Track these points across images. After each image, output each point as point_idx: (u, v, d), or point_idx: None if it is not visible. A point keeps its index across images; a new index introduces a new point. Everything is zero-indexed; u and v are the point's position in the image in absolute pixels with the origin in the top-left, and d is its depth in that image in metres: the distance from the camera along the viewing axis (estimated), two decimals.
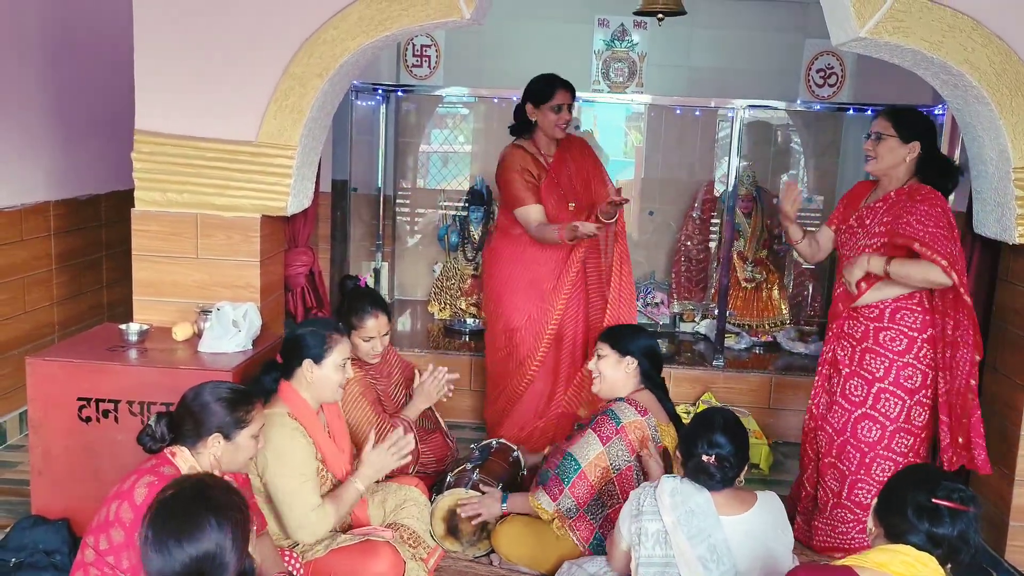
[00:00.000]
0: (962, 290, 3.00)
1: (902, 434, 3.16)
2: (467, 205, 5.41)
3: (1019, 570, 3.19)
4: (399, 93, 5.48)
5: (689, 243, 5.47)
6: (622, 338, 3.12)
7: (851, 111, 5.14)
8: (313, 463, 2.69)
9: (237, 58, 3.24)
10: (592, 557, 2.89)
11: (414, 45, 5.58)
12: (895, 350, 3.14)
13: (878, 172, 3.21)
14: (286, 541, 2.72)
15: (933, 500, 1.93)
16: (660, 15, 4.37)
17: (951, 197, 4.36)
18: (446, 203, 5.69)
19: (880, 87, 5.14)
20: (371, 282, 5.42)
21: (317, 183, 3.62)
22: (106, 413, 2.93)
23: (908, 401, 3.14)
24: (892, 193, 3.17)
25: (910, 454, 3.18)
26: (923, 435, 3.20)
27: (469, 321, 5.14)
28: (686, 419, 3.05)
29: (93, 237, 4.69)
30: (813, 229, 3.59)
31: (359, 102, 5.11)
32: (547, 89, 3.78)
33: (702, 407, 4.24)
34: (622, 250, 3.96)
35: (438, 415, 3.67)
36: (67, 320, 4.47)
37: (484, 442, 3.70)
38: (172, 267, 3.36)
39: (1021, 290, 3.29)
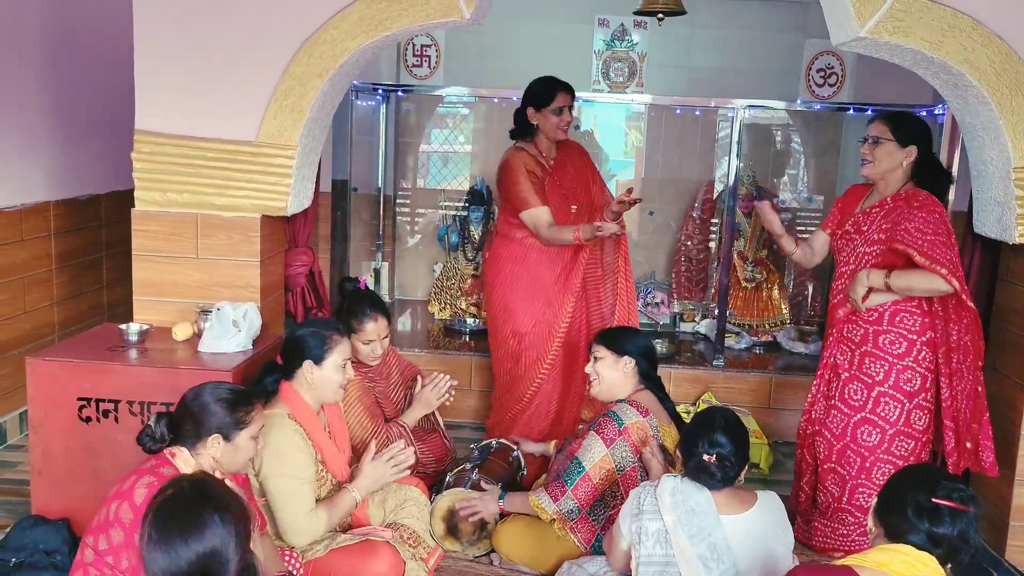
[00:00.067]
0: (964, 296, 2.99)
1: (902, 438, 3.16)
2: (467, 205, 5.41)
3: (1019, 570, 3.19)
4: (399, 93, 5.48)
5: (689, 243, 5.47)
6: (618, 339, 3.12)
7: (851, 111, 5.14)
8: (311, 466, 2.69)
9: (237, 58, 3.24)
10: (592, 557, 2.89)
11: (414, 45, 5.58)
12: (895, 353, 3.13)
13: (875, 176, 3.20)
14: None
15: (933, 500, 1.93)
16: (660, 15, 4.37)
17: (951, 197, 4.40)
18: (446, 203, 5.69)
19: (880, 87, 5.15)
20: (371, 282, 5.42)
21: (317, 183, 3.62)
22: (106, 413, 2.93)
23: (908, 404, 3.14)
24: (889, 199, 3.16)
25: (911, 458, 3.17)
26: (924, 439, 3.19)
27: (469, 321, 5.14)
28: (687, 419, 3.05)
29: (93, 237, 4.69)
30: (807, 236, 3.59)
31: (359, 102, 5.11)
32: (547, 92, 3.77)
33: (702, 407, 4.24)
34: (624, 251, 3.97)
35: (438, 416, 3.67)
36: (67, 320, 4.47)
37: (484, 442, 3.70)
38: (172, 267, 3.36)
39: (1021, 290, 3.29)
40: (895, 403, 3.14)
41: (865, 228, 3.20)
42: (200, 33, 3.24)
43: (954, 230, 3.15)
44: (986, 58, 3.02)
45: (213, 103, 3.26)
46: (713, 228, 5.48)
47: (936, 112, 4.66)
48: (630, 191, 3.70)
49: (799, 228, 5.51)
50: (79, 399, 2.92)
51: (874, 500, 2.10)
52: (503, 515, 3.14)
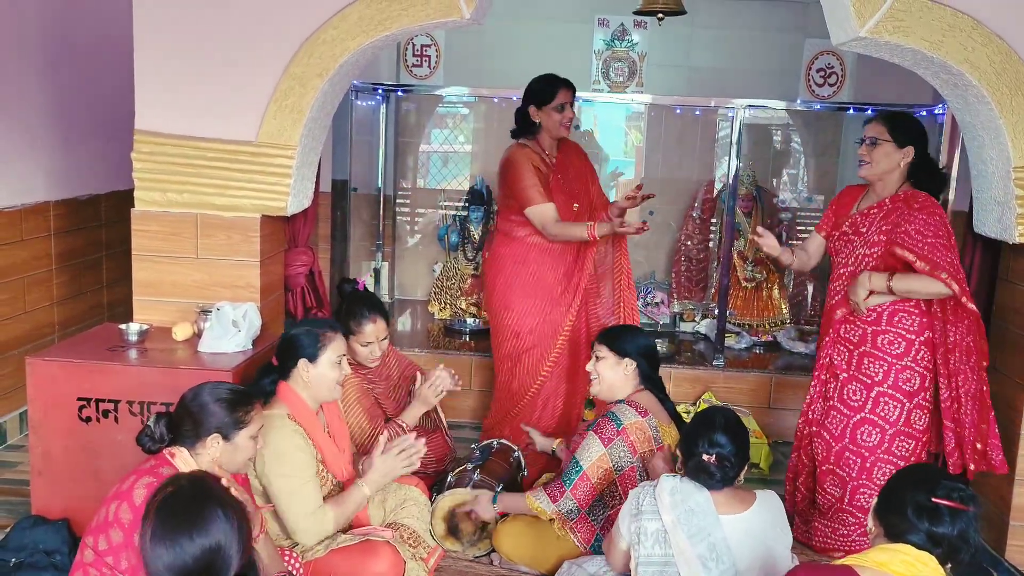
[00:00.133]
0: (964, 299, 2.99)
1: (902, 438, 3.16)
2: (467, 205, 5.41)
3: (1019, 570, 3.19)
4: (399, 93, 5.48)
5: (689, 243, 5.47)
6: (620, 339, 3.11)
7: (851, 111, 5.14)
8: (313, 465, 2.69)
9: (237, 58, 3.24)
10: (592, 557, 2.89)
11: (414, 45, 5.58)
12: (894, 353, 3.13)
13: (872, 177, 3.20)
14: (286, 541, 2.72)
15: (933, 499, 1.93)
16: (660, 15, 4.37)
17: (951, 197, 4.40)
18: (446, 203, 5.70)
19: (880, 87, 5.15)
20: (371, 282, 5.42)
21: (317, 183, 3.62)
22: (106, 413, 2.93)
23: (907, 404, 3.14)
24: (887, 200, 3.16)
25: (911, 458, 3.18)
26: (924, 439, 3.20)
27: (469, 321, 5.14)
28: (687, 419, 3.05)
29: (93, 237, 4.69)
30: (805, 236, 3.59)
31: (359, 102, 5.11)
32: (549, 90, 3.77)
33: (703, 407, 4.24)
34: (624, 250, 3.97)
35: (440, 413, 3.66)
36: (67, 320, 4.47)
37: (484, 442, 3.70)
38: (172, 267, 3.36)
39: (1021, 289, 3.29)
40: (895, 403, 3.14)
41: (864, 229, 3.20)
42: (200, 33, 3.24)
43: (955, 230, 3.16)
44: (986, 58, 3.02)
45: (213, 103, 3.26)
46: (713, 228, 5.48)
47: (936, 112, 4.66)
48: (640, 187, 3.71)
49: (799, 228, 5.51)
50: (79, 399, 2.92)
51: (874, 500, 2.10)
52: (502, 515, 3.14)
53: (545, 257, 3.82)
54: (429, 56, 5.60)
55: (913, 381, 3.13)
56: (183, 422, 2.30)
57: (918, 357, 3.13)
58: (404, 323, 5.39)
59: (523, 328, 3.82)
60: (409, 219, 5.84)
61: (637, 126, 5.84)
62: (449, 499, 3.16)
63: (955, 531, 1.92)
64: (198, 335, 3.18)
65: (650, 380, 3.10)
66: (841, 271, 3.28)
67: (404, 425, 3.37)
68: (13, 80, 3.99)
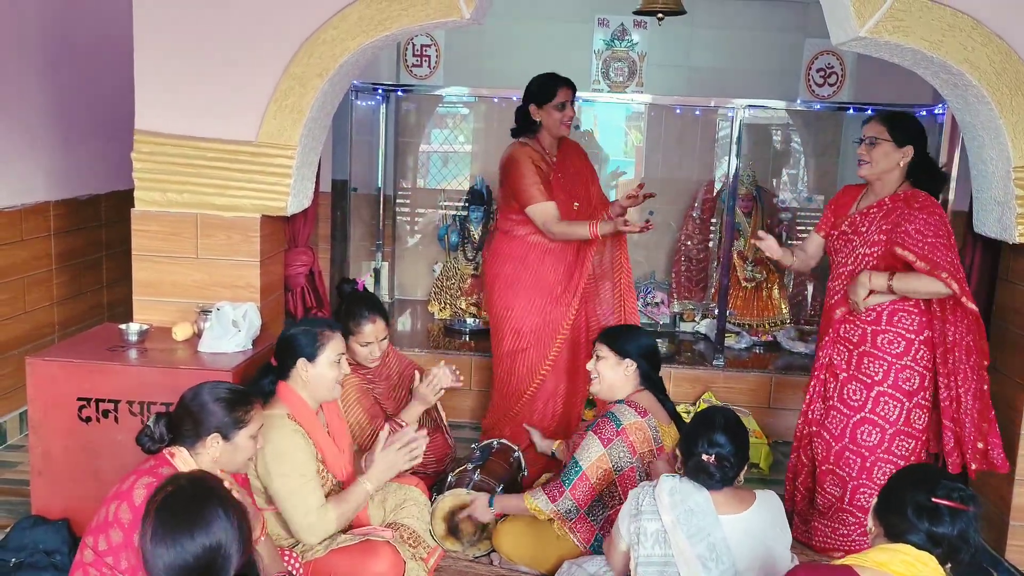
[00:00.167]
0: (964, 299, 2.99)
1: (902, 437, 3.16)
2: (467, 205, 5.41)
3: (1019, 570, 3.19)
4: (399, 93, 5.48)
5: (689, 243, 5.47)
6: (621, 340, 3.10)
7: (851, 111, 5.14)
8: (314, 463, 2.69)
9: (237, 58, 3.24)
10: (592, 557, 2.89)
11: (414, 45, 5.58)
12: (893, 352, 3.13)
13: (872, 177, 3.20)
14: (286, 541, 2.72)
15: (933, 499, 1.93)
16: (660, 15, 4.37)
17: (951, 197, 4.41)
18: (446, 203, 5.70)
19: (880, 87, 5.15)
20: (371, 282, 5.42)
21: (317, 183, 3.62)
22: (106, 413, 2.93)
23: (907, 404, 3.14)
24: (887, 199, 3.16)
25: (911, 457, 3.18)
26: (923, 438, 3.20)
27: (469, 321, 5.14)
28: (687, 419, 3.05)
29: (93, 237, 4.69)
30: (804, 237, 3.59)
31: (359, 102, 5.11)
32: (549, 88, 3.77)
33: (702, 406, 4.24)
34: (624, 250, 3.97)
35: (442, 413, 3.67)
36: (67, 320, 4.47)
37: (485, 442, 3.70)
38: (172, 267, 3.36)
39: (1021, 289, 3.29)
40: (895, 402, 3.14)
41: (863, 229, 3.20)
42: (200, 33, 3.24)
43: (955, 230, 3.16)
44: (986, 57, 3.02)
45: (213, 103, 3.26)
46: (713, 228, 5.48)
47: (936, 112, 4.66)
48: (641, 186, 3.70)
49: (799, 228, 5.51)
50: (79, 399, 2.93)
51: (874, 500, 2.10)
52: (501, 516, 3.13)
53: (546, 256, 3.82)
54: (429, 56, 5.60)
55: (913, 380, 3.14)
56: (183, 422, 2.30)
57: (918, 356, 3.13)
58: (404, 323, 5.39)
59: (523, 326, 3.82)
60: (409, 219, 5.84)
61: (637, 126, 5.84)
62: (449, 499, 3.16)
63: (955, 531, 1.92)
64: (198, 335, 3.18)
65: (650, 381, 3.10)
66: (840, 270, 3.28)
67: (404, 423, 3.37)
68: (13, 80, 3.99)
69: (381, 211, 5.49)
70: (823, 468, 3.29)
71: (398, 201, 5.77)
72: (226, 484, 2.04)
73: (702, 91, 5.49)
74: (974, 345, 3.09)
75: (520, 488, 3.43)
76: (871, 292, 3.12)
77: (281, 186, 3.29)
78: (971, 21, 3.01)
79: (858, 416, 3.19)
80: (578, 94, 3.93)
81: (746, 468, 2.52)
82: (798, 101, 5.38)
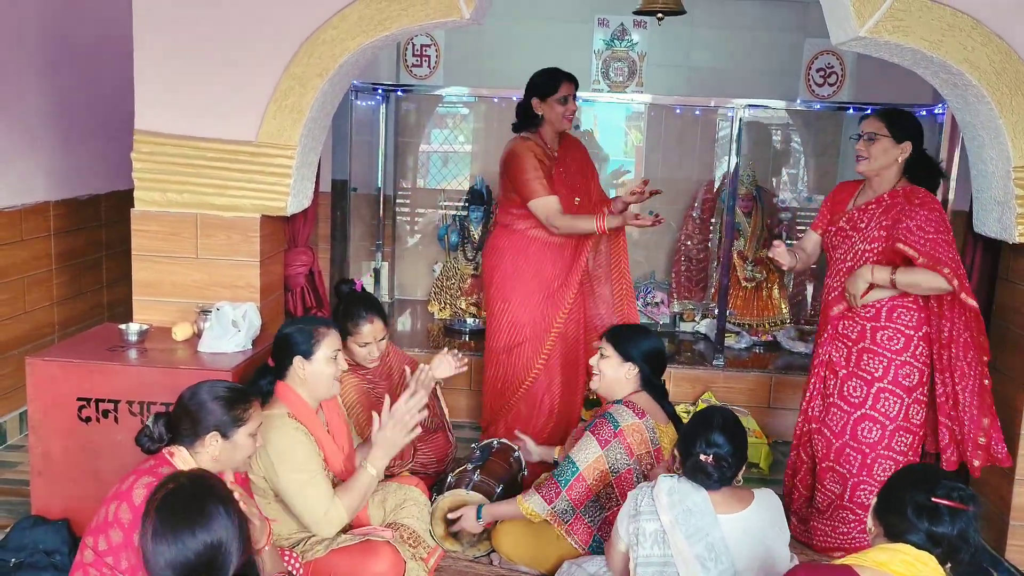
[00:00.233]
0: (964, 295, 3.00)
1: (902, 433, 3.17)
2: (467, 205, 5.41)
3: (1019, 569, 3.19)
4: (399, 93, 5.48)
5: (689, 243, 5.47)
6: (626, 341, 3.07)
7: (851, 110, 5.14)
8: (317, 458, 2.68)
9: (237, 58, 3.24)
10: (592, 556, 2.89)
11: (414, 45, 5.58)
12: (893, 349, 3.14)
13: (870, 173, 3.20)
14: (286, 541, 2.72)
15: (932, 499, 1.93)
16: (660, 15, 4.37)
17: (951, 197, 4.41)
18: (446, 203, 5.70)
19: (880, 86, 5.15)
20: (371, 282, 5.42)
21: (317, 183, 3.62)
22: (106, 413, 2.93)
23: (906, 399, 3.15)
24: (886, 195, 3.17)
25: (909, 452, 3.19)
26: (921, 433, 3.21)
27: (469, 321, 5.14)
28: (686, 419, 3.04)
29: (93, 237, 4.69)
30: (794, 243, 3.59)
31: (359, 102, 5.11)
32: (552, 82, 3.77)
33: (702, 407, 4.24)
34: (624, 249, 3.97)
35: (445, 410, 3.66)
36: (67, 320, 4.47)
37: (484, 442, 3.70)
38: (172, 267, 3.36)
39: (1021, 289, 3.29)
40: (895, 398, 3.15)
41: (863, 225, 3.20)
42: (200, 33, 3.24)
43: (955, 230, 3.16)
44: (986, 57, 3.02)
45: (213, 103, 3.26)
46: (712, 228, 5.48)
47: (936, 111, 4.66)
48: (646, 182, 3.70)
49: (799, 228, 5.51)
50: (79, 399, 2.93)
51: (873, 500, 2.10)
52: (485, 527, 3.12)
53: (545, 251, 3.82)
54: (429, 56, 5.60)
55: (912, 376, 3.14)
56: (181, 421, 2.30)
57: (917, 352, 3.14)
58: (404, 323, 5.39)
59: (520, 320, 3.81)
60: (409, 219, 5.84)
61: (637, 126, 5.84)
62: (448, 500, 3.15)
63: (955, 531, 1.92)
64: (198, 335, 3.18)
65: (651, 385, 3.09)
66: (839, 267, 3.27)
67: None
68: (13, 80, 3.99)
69: (381, 211, 5.49)
70: (823, 465, 3.29)
71: (398, 201, 5.77)
72: (236, 496, 2.03)
73: (702, 91, 5.49)
74: (972, 341, 3.09)
75: (520, 487, 3.43)
76: (872, 287, 3.12)
77: (281, 186, 3.29)
78: (971, 21, 3.00)
79: (858, 413, 3.19)
80: (578, 94, 3.93)
81: (745, 468, 2.51)
82: (798, 101, 5.38)
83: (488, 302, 3.97)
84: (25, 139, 4.08)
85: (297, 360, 2.71)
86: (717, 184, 5.47)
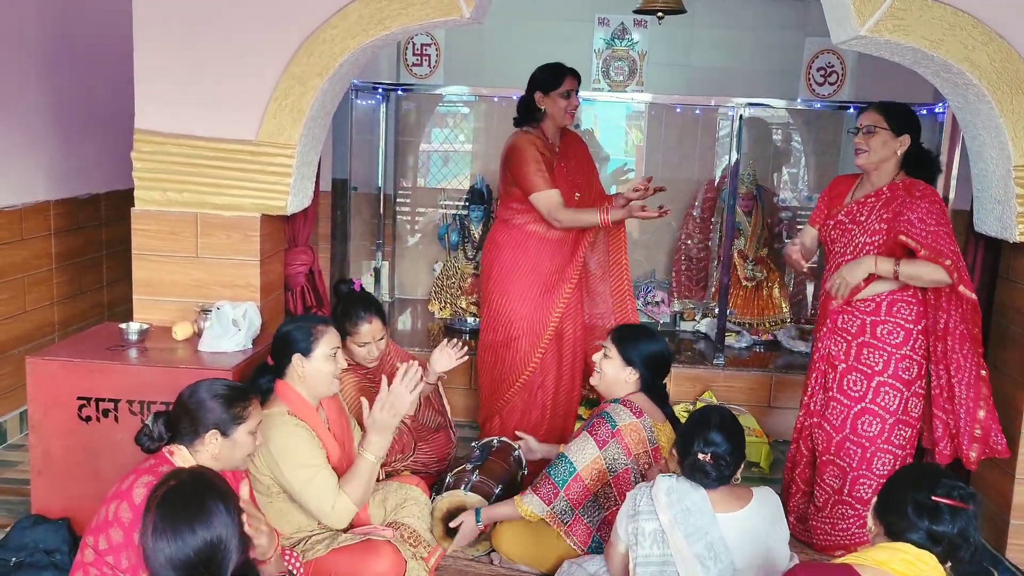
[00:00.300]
0: (962, 287, 3.00)
1: (901, 426, 3.18)
2: (467, 204, 5.41)
3: (1020, 569, 3.19)
4: (399, 92, 5.48)
5: (689, 242, 5.46)
6: (630, 345, 3.04)
7: (852, 109, 5.13)
8: (320, 452, 2.67)
9: (237, 57, 3.24)
10: (592, 556, 2.89)
11: (414, 44, 5.58)
12: (893, 343, 3.14)
13: (869, 166, 3.21)
14: (287, 541, 2.72)
15: (933, 498, 1.93)
16: (660, 14, 4.37)
17: (951, 196, 4.41)
18: (446, 202, 5.69)
19: (880, 85, 5.14)
20: (372, 281, 5.42)
21: (317, 182, 3.62)
22: (106, 412, 2.93)
23: (906, 393, 3.16)
24: (885, 188, 3.17)
25: (908, 446, 3.20)
26: (918, 426, 3.22)
27: (470, 320, 5.14)
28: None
29: (93, 236, 4.69)
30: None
31: (359, 101, 5.10)
32: (555, 76, 3.77)
33: (700, 406, 4.24)
34: (624, 249, 3.97)
35: (447, 407, 3.65)
36: (67, 319, 4.47)
37: (484, 441, 3.69)
38: (172, 266, 3.36)
39: (1022, 288, 3.29)
40: (895, 392, 3.15)
41: (862, 218, 3.20)
42: (200, 32, 3.24)
43: (957, 229, 3.17)
44: (986, 56, 3.02)
45: (213, 102, 3.26)
46: (713, 227, 5.48)
47: (936, 111, 4.66)
48: (650, 179, 3.70)
49: (799, 227, 5.50)
50: (79, 398, 2.93)
51: (873, 499, 2.10)
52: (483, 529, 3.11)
53: (543, 245, 3.81)
54: (429, 55, 5.60)
55: (912, 369, 3.16)
56: (181, 420, 2.30)
57: (916, 346, 3.15)
58: (404, 322, 5.39)
59: (517, 314, 3.80)
60: (409, 218, 5.84)
61: (637, 125, 5.84)
62: (446, 501, 3.15)
63: (955, 529, 1.92)
64: (198, 334, 3.18)
65: (651, 389, 3.07)
66: (839, 260, 3.26)
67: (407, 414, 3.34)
68: (13, 80, 3.99)
69: (381, 210, 5.49)
70: (823, 459, 3.29)
71: (398, 200, 5.77)
72: (245, 513, 2.03)
73: (702, 90, 5.48)
74: (967, 333, 3.10)
75: (520, 487, 3.43)
76: (872, 280, 3.13)
77: (281, 185, 3.29)
78: (971, 20, 3.00)
79: (859, 406, 3.20)
80: (579, 94, 3.92)
81: (745, 467, 2.51)
82: (798, 100, 5.38)
83: (486, 296, 3.96)
84: (25, 139, 4.08)
85: (296, 358, 2.70)
86: (718, 180, 5.46)
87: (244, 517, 2.01)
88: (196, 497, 1.87)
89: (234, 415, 2.31)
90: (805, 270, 3.38)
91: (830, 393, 3.28)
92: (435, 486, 3.43)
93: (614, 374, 3.04)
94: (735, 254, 5.17)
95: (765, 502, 2.49)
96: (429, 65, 5.61)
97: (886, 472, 3.16)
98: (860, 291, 3.16)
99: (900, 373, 3.15)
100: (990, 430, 3.10)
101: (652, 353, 3.05)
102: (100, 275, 4.77)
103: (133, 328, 3.16)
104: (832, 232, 3.31)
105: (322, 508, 2.63)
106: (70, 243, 4.47)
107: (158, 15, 3.25)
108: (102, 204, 4.73)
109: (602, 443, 2.90)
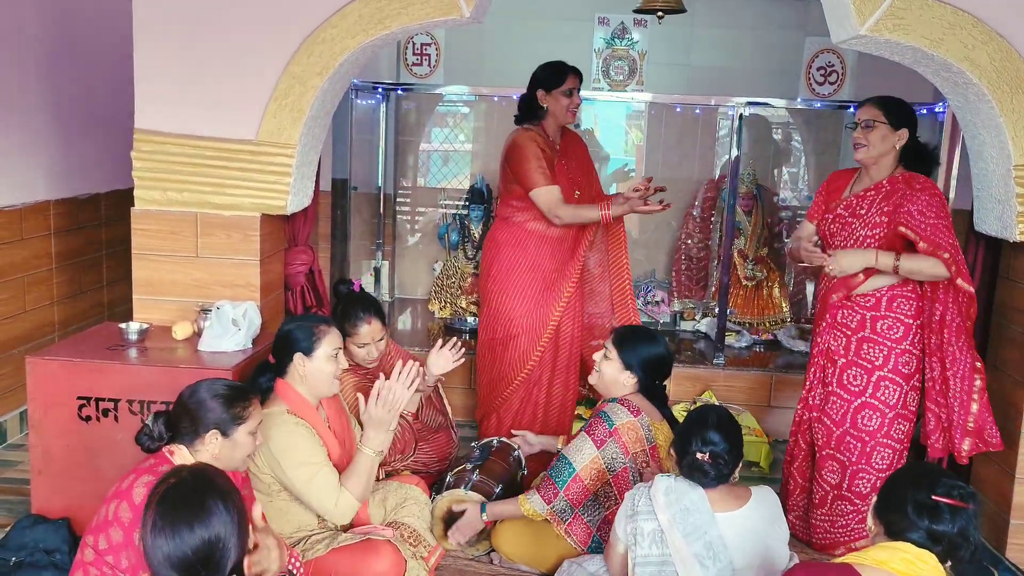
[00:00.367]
0: (960, 280, 3.01)
1: (900, 420, 3.19)
2: (467, 204, 5.41)
3: (1020, 568, 3.19)
4: (399, 92, 5.48)
5: (690, 241, 5.46)
6: (630, 349, 3.02)
7: (852, 109, 5.13)
8: (320, 449, 2.68)
9: (237, 57, 3.23)
10: (592, 555, 2.89)
11: (414, 43, 5.58)
12: (893, 338, 3.15)
13: (869, 160, 3.21)
14: (287, 540, 2.72)
15: (933, 497, 1.93)
16: (660, 13, 4.37)
17: (951, 195, 4.40)
18: (446, 202, 5.69)
19: (881, 85, 5.10)
20: (371, 281, 5.42)
21: (317, 182, 3.62)
22: (106, 412, 2.93)
23: (905, 387, 3.17)
24: (885, 182, 3.18)
25: (905, 440, 3.22)
26: (914, 420, 3.24)
27: (470, 319, 5.14)
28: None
29: (93, 236, 4.69)
30: (792, 241, 3.59)
31: (359, 101, 5.11)
32: (558, 74, 3.77)
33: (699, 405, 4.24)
34: (624, 248, 3.97)
35: (448, 407, 3.65)
36: (67, 319, 4.47)
37: (484, 441, 3.70)
38: (172, 266, 3.36)
39: (1022, 288, 3.28)
40: (895, 386, 3.16)
41: (862, 211, 3.21)
42: (200, 32, 3.24)
43: (957, 229, 3.17)
44: (986, 56, 3.02)
45: (213, 102, 3.26)
46: (713, 226, 5.47)
47: (936, 110, 4.65)
48: (650, 179, 3.70)
49: (799, 226, 5.50)
50: (79, 398, 2.93)
51: (873, 498, 2.10)
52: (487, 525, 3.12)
53: (543, 243, 3.81)
54: (429, 55, 5.60)
55: (910, 364, 3.17)
56: (181, 420, 2.30)
57: (915, 340, 3.16)
58: (404, 322, 5.39)
59: (517, 312, 3.80)
60: (409, 218, 5.84)
61: (637, 125, 5.84)
62: (447, 500, 3.15)
63: (955, 529, 1.92)
64: (198, 334, 3.18)
65: (649, 391, 3.07)
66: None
67: (407, 411, 3.34)
68: (13, 80, 3.99)
69: (381, 210, 5.49)
70: (823, 454, 3.30)
71: (398, 200, 5.77)
72: (257, 530, 2.03)
73: (702, 89, 5.49)
74: (963, 326, 3.10)
75: (520, 487, 3.43)
76: (871, 274, 3.13)
77: (281, 185, 3.29)
78: (971, 19, 3.00)
79: (859, 401, 3.20)
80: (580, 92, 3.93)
81: (740, 465, 2.51)
82: (798, 99, 5.38)
83: (485, 294, 3.96)
84: (25, 138, 4.08)
85: (298, 357, 2.71)
86: (717, 179, 5.46)
87: (251, 534, 2.00)
88: (196, 496, 1.87)
89: (234, 415, 2.31)
90: (828, 255, 3.25)
91: (830, 388, 3.28)
92: (435, 486, 3.43)
93: (612, 375, 3.04)
94: (735, 253, 5.17)
95: (764, 501, 2.49)
96: (429, 65, 5.61)
97: (885, 466, 3.18)
98: (858, 285, 3.17)
99: (900, 368, 3.16)
100: (984, 423, 3.11)
101: (651, 357, 3.04)
102: (100, 275, 4.77)
103: (133, 328, 3.16)
104: (831, 226, 3.31)
105: (325, 506, 2.63)
106: (70, 243, 4.46)
107: (158, 15, 3.25)
108: (102, 204, 4.73)
109: (600, 442, 2.90)
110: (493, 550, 3.15)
